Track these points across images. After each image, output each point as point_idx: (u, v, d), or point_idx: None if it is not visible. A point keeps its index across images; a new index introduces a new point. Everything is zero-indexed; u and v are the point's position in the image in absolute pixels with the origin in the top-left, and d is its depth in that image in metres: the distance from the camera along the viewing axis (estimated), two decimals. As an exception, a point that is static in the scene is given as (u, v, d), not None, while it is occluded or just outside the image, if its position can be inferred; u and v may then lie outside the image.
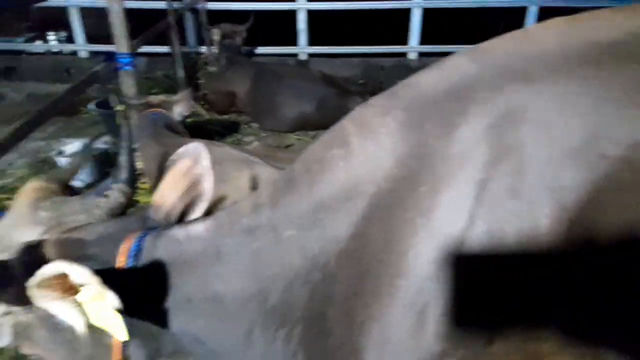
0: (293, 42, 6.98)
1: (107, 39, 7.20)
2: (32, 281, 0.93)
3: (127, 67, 3.71)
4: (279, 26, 6.91)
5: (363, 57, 7.04)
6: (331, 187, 0.97)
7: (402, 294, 0.90)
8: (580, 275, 0.81)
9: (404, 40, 6.94)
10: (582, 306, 0.82)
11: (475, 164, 0.87)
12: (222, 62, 5.62)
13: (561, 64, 0.90)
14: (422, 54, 7.02)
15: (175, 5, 5.79)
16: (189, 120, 4.45)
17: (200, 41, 7.07)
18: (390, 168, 0.93)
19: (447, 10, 7.04)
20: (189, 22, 6.92)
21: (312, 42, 6.96)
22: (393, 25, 7.07)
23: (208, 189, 1.29)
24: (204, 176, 1.27)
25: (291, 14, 6.93)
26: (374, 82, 6.91)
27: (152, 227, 1.14)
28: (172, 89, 6.08)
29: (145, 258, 1.05)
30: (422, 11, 6.67)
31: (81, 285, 0.92)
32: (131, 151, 1.39)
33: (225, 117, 5.69)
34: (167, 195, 1.19)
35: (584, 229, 0.80)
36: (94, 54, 7.09)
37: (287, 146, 5.05)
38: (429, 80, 1.00)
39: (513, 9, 6.95)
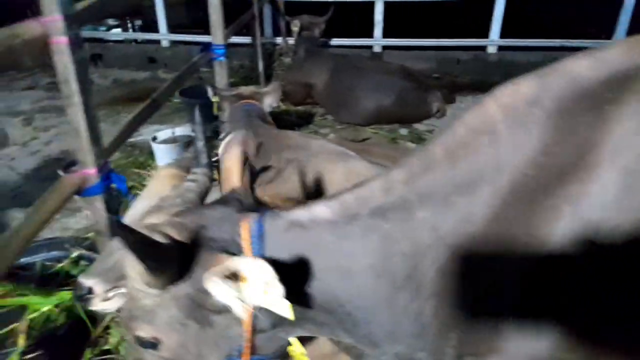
0: (366, 34, 6.92)
1: (186, 28, 7.51)
2: (216, 271, 0.96)
3: (221, 58, 3.82)
4: (353, 18, 6.88)
5: (438, 50, 6.87)
6: (472, 171, 0.99)
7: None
8: None
9: (482, 34, 6.69)
10: None
11: (629, 154, 0.88)
12: (300, 54, 5.65)
13: None
14: (500, 48, 6.75)
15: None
16: (264, 110, 4.55)
17: (276, 32, 7.17)
18: (536, 155, 0.95)
19: (530, 2, 6.71)
20: (267, 12, 7.02)
21: (386, 34, 6.87)
22: (471, 17, 6.84)
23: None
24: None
25: (365, 6, 6.88)
26: (449, 75, 6.75)
27: (251, 209, 1.20)
28: (248, 79, 6.25)
29: (270, 239, 1.09)
30: (504, 2, 6.39)
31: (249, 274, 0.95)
32: (207, 137, 1.44)
33: (300, 108, 5.75)
34: (238, 178, 1.28)
35: None
36: (174, 42, 7.37)
37: (363, 139, 5.03)
38: (580, 68, 0.97)
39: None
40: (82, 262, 2.88)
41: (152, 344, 1.09)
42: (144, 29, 8.62)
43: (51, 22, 1.68)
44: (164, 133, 4.33)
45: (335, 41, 6.83)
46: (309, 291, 1.08)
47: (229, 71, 3.99)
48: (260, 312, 1.05)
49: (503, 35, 6.62)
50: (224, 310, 1.02)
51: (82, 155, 1.94)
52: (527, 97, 0.98)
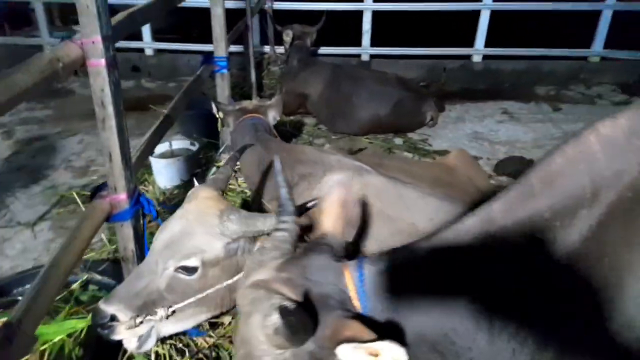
0: (353, 43, 6.97)
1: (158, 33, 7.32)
2: (353, 346, 0.97)
3: (223, 70, 3.76)
4: (340, 27, 6.90)
5: (426, 59, 6.98)
6: (572, 197, 1.04)
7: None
8: None
9: (468, 43, 6.85)
10: None
11: None
12: (293, 63, 5.63)
13: None
14: (486, 57, 6.91)
15: (243, 5, 5.83)
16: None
17: (264, 41, 7.12)
18: (634, 179, 1.01)
19: (514, 13, 6.90)
20: (255, 22, 6.96)
21: (374, 43, 6.93)
22: (458, 27, 6.99)
23: (357, 216, 1.36)
24: (354, 205, 1.35)
25: (352, 15, 6.92)
26: (437, 84, 6.87)
27: (340, 254, 1.23)
28: (238, 88, 6.17)
29: (372, 284, 1.13)
30: (489, 13, 6.56)
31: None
32: (289, 184, 1.42)
33: (293, 118, 5.73)
34: (335, 223, 1.29)
35: None
36: (158, 51, 7.22)
37: (359, 150, 5.05)
38: None
39: (581, 12, 6.79)
40: (91, 287, 2.78)
41: None
42: (127, 36, 8.38)
43: (90, 44, 1.61)
44: (162, 146, 4.22)
45: (323, 50, 6.85)
46: (415, 328, 1.08)
47: (230, 83, 3.92)
48: None
49: (488, 44, 6.78)
50: None
51: (114, 180, 1.87)
52: (626, 128, 1.04)
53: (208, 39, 6.84)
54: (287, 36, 5.74)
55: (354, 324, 1.01)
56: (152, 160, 3.92)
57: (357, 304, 1.09)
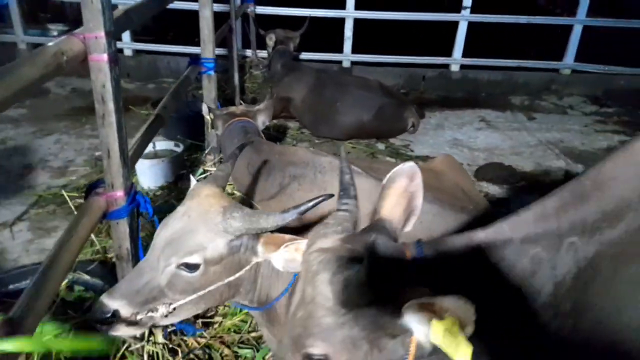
0: (334, 49, 7.05)
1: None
2: (419, 306, 0.97)
3: (210, 72, 3.75)
4: (322, 33, 6.97)
5: (405, 67, 7.11)
6: (618, 200, 1.11)
7: None
8: None
9: (447, 52, 7.02)
10: None
11: None
12: (276, 68, 5.65)
13: None
14: (463, 67, 7.10)
15: (225, 8, 5.83)
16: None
17: (245, 45, 7.12)
18: None
19: (490, 25, 7.13)
20: (237, 26, 6.96)
21: (355, 50, 7.02)
22: (437, 37, 7.16)
23: (419, 204, 1.38)
24: (417, 193, 1.37)
25: (334, 22, 7.01)
26: (416, 92, 7.01)
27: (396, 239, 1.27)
28: (220, 91, 6.13)
29: (429, 266, 1.18)
30: (467, 24, 6.75)
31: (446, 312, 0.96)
32: (351, 170, 1.45)
33: (276, 122, 5.73)
34: (393, 209, 1.33)
35: None
36: (137, 52, 7.12)
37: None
38: None
39: (554, 25, 7.08)
40: (77, 288, 2.72)
41: None
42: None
43: (93, 39, 1.59)
44: (145, 147, 4.15)
45: (305, 55, 6.89)
46: None
47: (217, 84, 3.91)
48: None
49: (465, 54, 6.98)
50: (400, 334, 1.07)
51: (111, 177, 1.84)
52: None
53: (184, 41, 6.87)
54: (270, 40, 5.76)
55: (422, 289, 1.04)
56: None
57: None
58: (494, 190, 4.30)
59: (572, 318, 1.16)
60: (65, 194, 2.57)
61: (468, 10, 6.73)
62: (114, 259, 2.97)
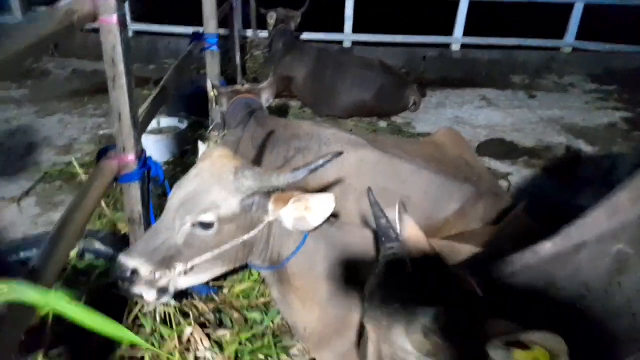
0: (335, 29, 7.02)
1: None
2: (505, 340, 0.93)
3: (214, 48, 3.75)
4: (321, 13, 6.93)
5: (406, 47, 7.10)
6: None
7: None
8: None
9: (448, 32, 7.00)
10: None
11: None
12: (278, 47, 5.64)
13: None
14: (464, 46, 7.09)
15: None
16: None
17: (246, 24, 7.09)
18: None
19: (491, 4, 7.09)
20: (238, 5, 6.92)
21: (355, 30, 7.00)
22: (439, 16, 7.13)
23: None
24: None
25: (335, 1, 6.97)
26: (417, 72, 7.01)
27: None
28: (222, 71, 6.13)
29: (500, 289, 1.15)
30: (468, 3, 6.72)
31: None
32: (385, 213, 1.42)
33: (278, 101, 5.74)
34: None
35: None
36: (137, 33, 7.09)
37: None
38: None
39: (555, 4, 7.05)
40: (88, 256, 2.76)
41: None
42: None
43: (103, 1, 1.61)
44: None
45: (306, 35, 6.86)
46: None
47: (221, 61, 3.92)
48: None
49: (466, 34, 6.96)
50: None
51: (122, 140, 1.87)
52: None
53: (185, 22, 6.81)
54: (271, 19, 5.74)
55: (501, 322, 0.99)
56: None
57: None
58: (496, 165, 4.33)
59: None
60: (75, 162, 2.59)
61: (469, -12, 6.70)
62: (124, 230, 3.03)
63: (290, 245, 1.87)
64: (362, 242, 1.92)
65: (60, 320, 2.27)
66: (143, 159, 1.98)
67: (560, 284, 1.12)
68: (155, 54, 6.99)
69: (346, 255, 1.88)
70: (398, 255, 1.25)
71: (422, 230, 1.30)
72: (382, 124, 5.30)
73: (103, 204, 3.02)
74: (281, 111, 5.46)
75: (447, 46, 7.11)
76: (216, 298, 2.52)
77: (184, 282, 1.69)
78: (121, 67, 1.74)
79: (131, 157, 1.91)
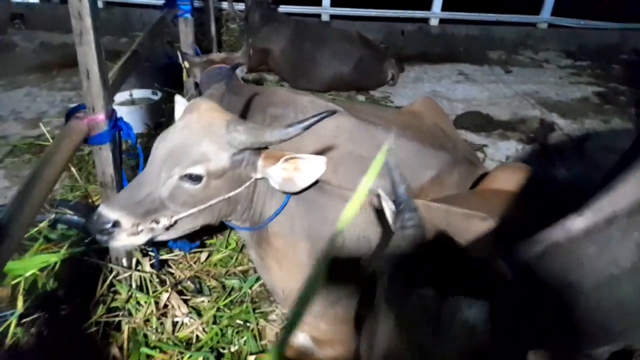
0: (313, 2, 6.92)
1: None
2: None
3: (187, 15, 3.65)
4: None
5: (385, 22, 7.05)
6: None
7: None
8: None
9: (426, 6, 6.97)
10: None
11: None
12: (254, 19, 5.53)
13: None
14: (442, 21, 7.08)
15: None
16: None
17: (221, -3, 6.92)
18: None
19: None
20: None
21: (334, 3, 6.91)
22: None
23: None
24: None
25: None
26: (395, 46, 6.98)
27: None
28: (198, 43, 5.99)
29: (528, 270, 1.08)
30: (447, -23, 6.70)
31: None
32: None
33: (255, 75, 5.66)
34: None
35: None
36: (108, 4, 6.85)
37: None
38: None
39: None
40: (60, 226, 2.70)
41: None
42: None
43: (67, -53, 1.53)
44: (121, 95, 4.07)
45: (283, 8, 6.73)
46: (581, 314, 1.04)
47: (195, 33, 3.81)
48: None
49: (444, 8, 6.94)
50: None
51: (91, 99, 1.80)
52: None
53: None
54: (248, -10, 5.61)
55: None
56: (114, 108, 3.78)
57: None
58: (472, 137, 4.38)
59: None
60: (44, 129, 2.50)
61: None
62: (97, 202, 2.96)
63: (273, 205, 1.84)
64: (341, 204, 1.92)
65: (33, 287, 2.24)
66: (114, 119, 1.92)
67: (591, 263, 1.03)
68: (127, 26, 6.77)
69: (325, 216, 1.88)
70: (419, 230, 1.14)
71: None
72: (361, 97, 5.28)
73: (76, 172, 2.94)
74: (258, 85, 5.37)
75: (425, 21, 7.08)
76: (193, 265, 2.50)
77: (164, 236, 1.64)
78: (88, 21, 1.67)
79: (101, 116, 1.85)
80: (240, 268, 2.63)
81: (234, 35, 6.53)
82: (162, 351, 2.02)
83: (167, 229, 1.60)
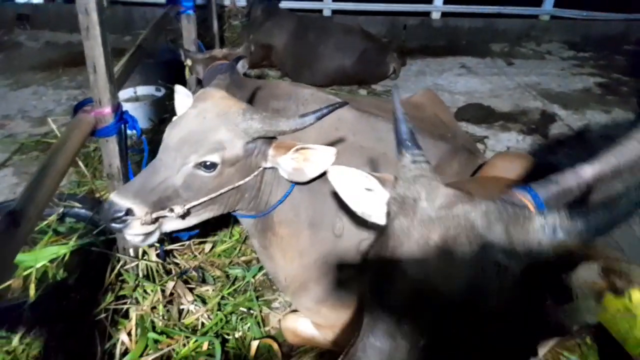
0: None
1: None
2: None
3: (189, 11, 3.70)
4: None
5: (387, 15, 7.07)
6: None
7: None
8: None
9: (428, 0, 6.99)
10: None
11: None
12: (257, 14, 5.58)
13: None
14: (444, 14, 7.09)
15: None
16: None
17: (224, -7, 6.97)
18: None
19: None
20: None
21: (336, -2, 6.95)
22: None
23: None
24: None
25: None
26: (397, 40, 6.99)
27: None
28: (200, 40, 6.05)
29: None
30: (448, -30, 6.71)
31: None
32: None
33: (257, 70, 5.71)
34: None
35: None
36: (112, 3, 6.91)
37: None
38: None
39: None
40: (68, 219, 2.77)
41: None
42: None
43: (72, -55, 1.59)
44: (125, 92, 4.13)
45: (285, 4, 6.78)
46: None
47: (198, 30, 3.87)
48: None
49: (446, 1, 6.95)
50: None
51: (98, 92, 1.86)
52: None
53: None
54: (250, -14, 5.66)
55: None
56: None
57: None
58: (473, 129, 4.41)
59: None
60: (53, 125, 2.56)
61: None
62: (104, 196, 3.03)
63: (279, 193, 1.88)
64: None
65: (44, 277, 2.31)
66: (119, 112, 1.98)
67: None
68: (130, 24, 6.84)
69: (327, 204, 1.93)
70: (427, 168, 1.11)
71: None
72: (362, 91, 5.31)
73: (83, 167, 3.01)
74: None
75: (427, 14, 7.10)
76: (198, 256, 2.56)
77: (171, 226, 1.67)
78: (94, 16, 1.73)
79: (107, 109, 1.91)
80: (243, 258, 2.69)
81: (236, 31, 6.58)
82: (169, 336, 2.08)
83: (182, 217, 1.61)
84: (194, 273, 2.49)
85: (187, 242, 2.61)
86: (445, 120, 3.25)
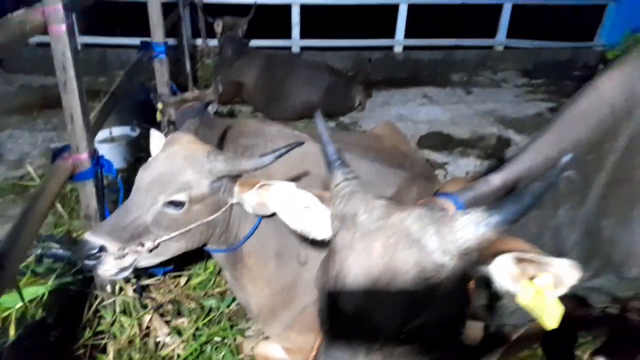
0: (283, 35, 7.27)
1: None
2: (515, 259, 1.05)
3: (161, 56, 3.90)
4: (269, 20, 7.16)
5: (352, 50, 7.43)
6: (597, 130, 1.45)
7: None
8: None
9: (390, 35, 7.39)
10: None
11: None
12: (227, 53, 5.82)
13: None
14: (406, 48, 7.50)
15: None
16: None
17: (195, 33, 7.21)
18: None
19: (431, 6, 7.56)
20: (186, 14, 7.03)
21: (303, 35, 7.27)
22: (381, 19, 7.51)
23: None
24: None
25: (281, 9, 7.22)
26: (363, 73, 7.34)
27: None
28: (174, 80, 6.24)
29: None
30: (407, 7, 7.14)
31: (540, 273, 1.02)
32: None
33: (229, 107, 5.91)
34: None
35: None
36: (85, 45, 7.08)
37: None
38: None
39: (487, 5, 7.58)
40: (46, 260, 2.85)
41: None
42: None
43: (51, 11, 1.77)
44: (102, 133, 4.26)
45: (254, 42, 7.06)
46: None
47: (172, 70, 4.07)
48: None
49: (408, 36, 7.37)
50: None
51: (76, 141, 2.01)
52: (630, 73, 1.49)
53: (133, 33, 6.86)
54: (218, 26, 5.91)
55: (521, 243, 1.09)
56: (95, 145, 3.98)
57: None
58: (434, 156, 4.68)
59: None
60: (30, 168, 2.68)
61: (407, -8, 7.12)
62: (80, 236, 3.13)
63: (247, 227, 2.05)
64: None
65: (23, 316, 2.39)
66: (96, 157, 2.13)
67: None
68: (105, 66, 7.00)
69: (292, 235, 2.09)
70: (358, 184, 1.23)
71: None
72: (331, 123, 5.57)
73: (60, 208, 3.11)
74: (233, 116, 5.63)
75: (390, 48, 7.49)
76: (173, 289, 2.68)
77: (148, 261, 1.80)
78: (71, 72, 1.90)
79: (84, 155, 2.06)
80: (218, 289, 2.81)
81: (209, 70, 6.81)
82: (146, 368, 2.18)
83: (151, 251, 1.76)
84: (169, 306, 2.60)
85: (163, 277, 2.73)
86: (403, 149, 3.50)
